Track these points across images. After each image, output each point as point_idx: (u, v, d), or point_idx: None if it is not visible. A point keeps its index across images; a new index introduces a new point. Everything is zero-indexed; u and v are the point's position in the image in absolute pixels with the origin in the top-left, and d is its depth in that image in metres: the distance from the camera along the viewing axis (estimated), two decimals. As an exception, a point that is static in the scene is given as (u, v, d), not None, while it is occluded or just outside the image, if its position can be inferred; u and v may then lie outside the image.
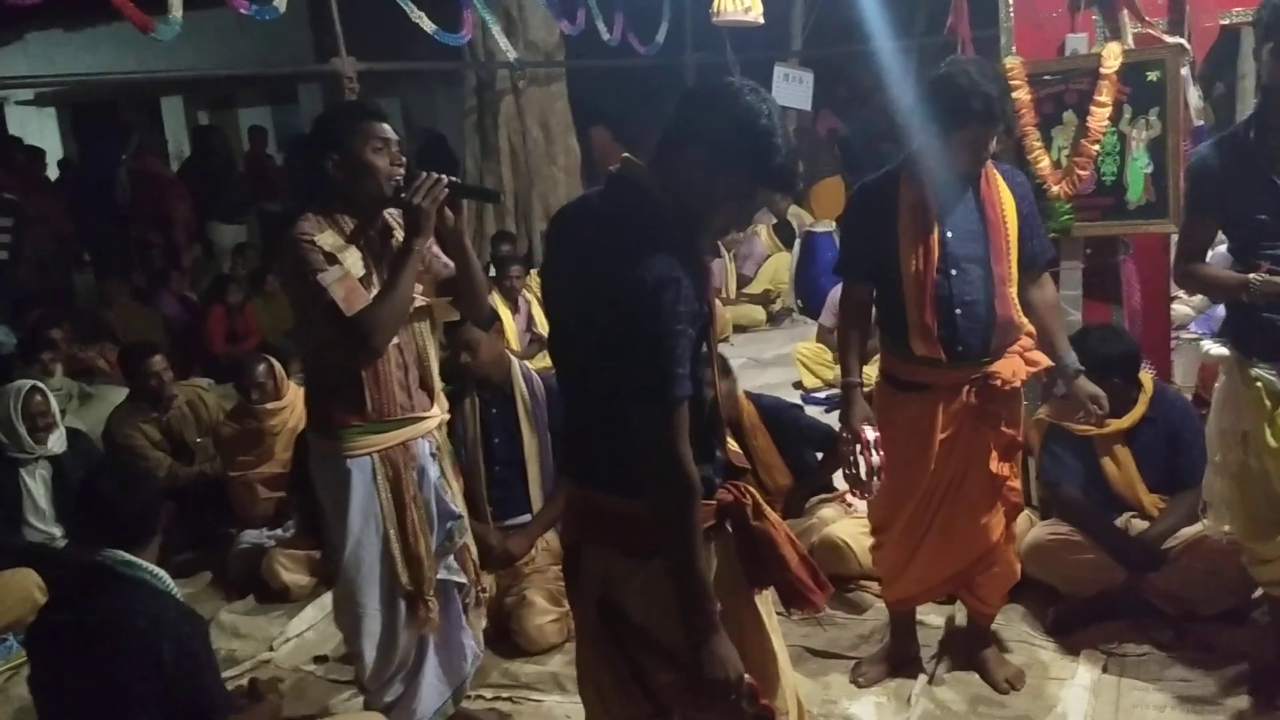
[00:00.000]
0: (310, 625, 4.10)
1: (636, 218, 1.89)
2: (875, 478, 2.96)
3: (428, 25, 6.78)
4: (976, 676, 3.30)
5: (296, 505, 4.57)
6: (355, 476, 2.78)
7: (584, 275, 1.92)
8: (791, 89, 8.87)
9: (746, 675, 1.94)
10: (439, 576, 2.94)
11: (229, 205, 10.10)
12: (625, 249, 1.85)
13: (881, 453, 2.96)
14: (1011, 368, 2.99)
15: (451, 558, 3.00)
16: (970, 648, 3.36)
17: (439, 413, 2.96)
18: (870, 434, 2.98)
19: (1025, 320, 3.05)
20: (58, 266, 9.10)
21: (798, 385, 6.63)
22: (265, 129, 12.07)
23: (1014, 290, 2.98)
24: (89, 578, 2.55)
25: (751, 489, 2.09)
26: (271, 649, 3.96)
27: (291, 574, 4.35)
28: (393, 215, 2.85)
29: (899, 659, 3.37)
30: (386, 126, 2.71)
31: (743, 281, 8.63)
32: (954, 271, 2.93)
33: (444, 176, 2.66)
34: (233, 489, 4.83)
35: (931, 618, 3.60)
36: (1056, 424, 3.54)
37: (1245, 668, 3.19)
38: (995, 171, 3.02)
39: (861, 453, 2.99)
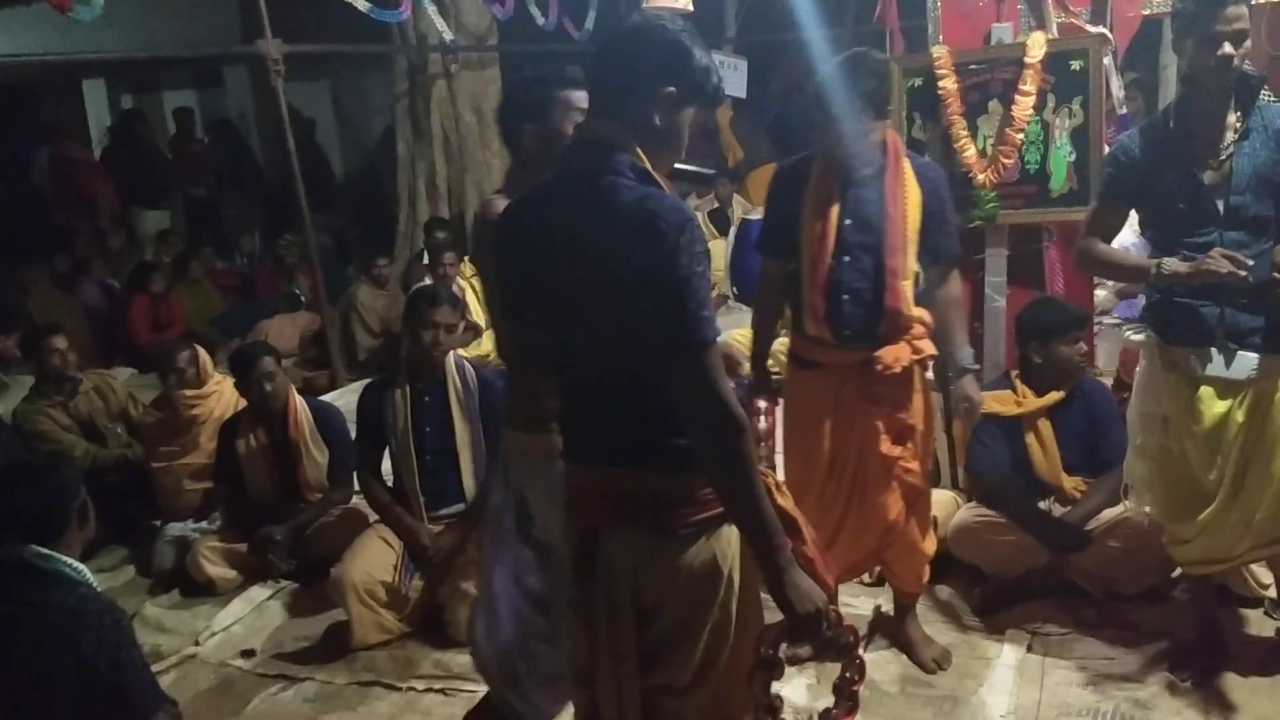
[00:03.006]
0: (237, 619, 4.03)
1: (620, 175, 1.83)
2: (763, 443, 3.03)
3: (362, 4, 6.66)
4: (904, 657, 3.35)
5: (222, 496, 4.49)
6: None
7: (581, 254, 1.84)
8: (727, 75, 8.88)
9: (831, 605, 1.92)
10: None
11: (152, 190, 9.86)
12: (627, 206, 1.79)
13: (769, 420, 3.03)
14: (895, 354, 3.05)
15: None
16: (897, 629, 3.41)
17: None
18: (761, 404, 3.07)
19: (919, 312, 3.11)
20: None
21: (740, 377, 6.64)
22: (192, 111, 11.80)
23: (907, 283, 3.04)
24: (4, 572, 2.48)
25: (769, 470, 2.06)
26: (197, 643, 3.88)
27: (217, 567, 4.27)
28: None
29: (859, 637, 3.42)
30: (584, 95, 2.43)
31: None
32: (846, 258, 3.02)
33: None
34: (156, 480, 4.73)
35: (861, 600, 3.64)
36: (986, 412, 3.59)
37: (1165, 644, 3.27)
38: (907, 164, 3.07)
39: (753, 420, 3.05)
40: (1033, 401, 3.58)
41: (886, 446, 3.10)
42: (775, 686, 3.13)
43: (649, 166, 1.86)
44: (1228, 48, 2.67)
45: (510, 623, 2.72)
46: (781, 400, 3.29)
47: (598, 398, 1.96)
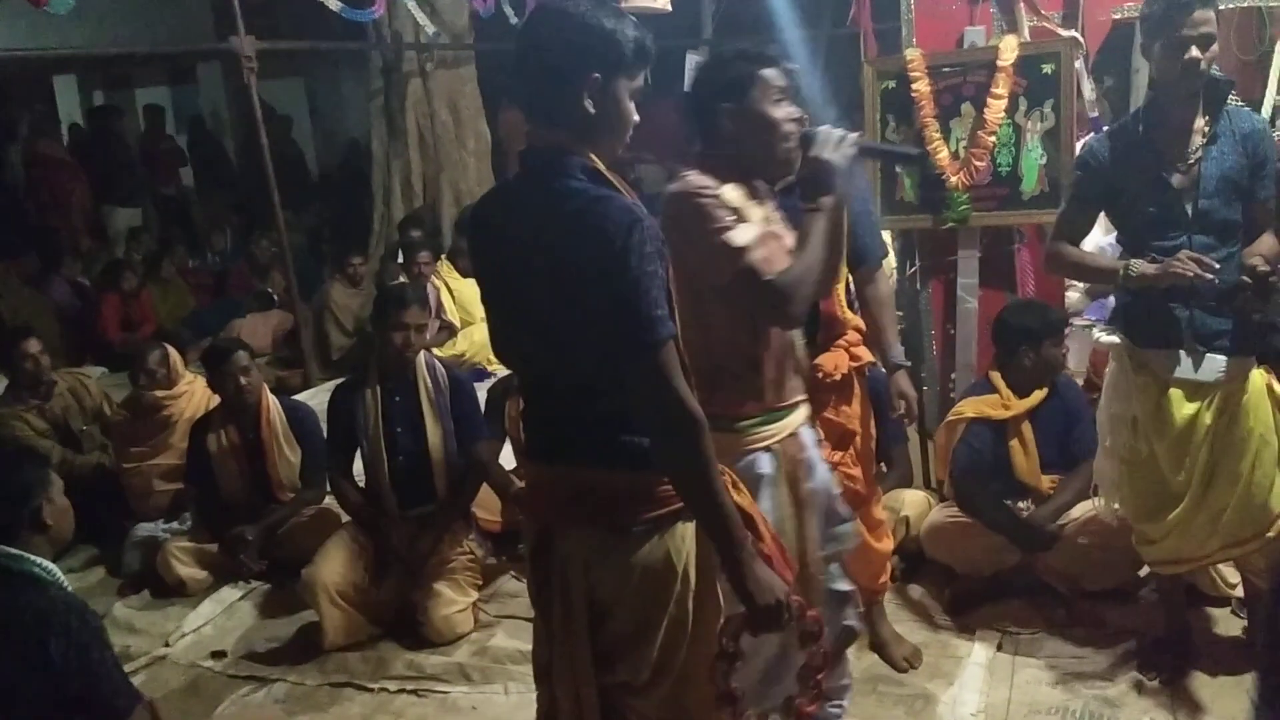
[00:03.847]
0: (208, 620, 4.00)
1: (573, 178, 1.83)
2: None
3: (333, 3, 6.62)
4: (875, 656, 3.36)
5: (193, 496, 4.46)
6: (762, 470, 2.40)
7: (535, 258, 1.85)
8: (703, 76, 8.92)
9: (795, 596, 1.92)
10: (828, 585, 2.57)
11: (124, 188, 9.78)
12: (576, 210, 1.79)
13: None
14: (835, 361, 3.07)
15: (836, 565, 2.61)
16: (868, 628, 3.42)
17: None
18: None
19: (851, 316, 3.13)
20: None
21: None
22: (162, 108, 11.71)
23: (840, 287, 3.05)
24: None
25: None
26: (167, 644, 3.86)
27: (188, 568, 4.23)
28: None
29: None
30: (782, 74, 2.40)
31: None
32: None
33: (850, 133, 2.37)
34: (127, 480, 4.69)
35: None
36: (976, 417, 3.61)
37: (1134, 643, 3.30)
38: None
39: None
40: (1019, 403, 3.58)
41: (827, 453, 3.10)
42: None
43: (600, 165, 1.86)
44: (1194, 52, 2.70)
45: None
46: None
47: (554, 397, 1.97)
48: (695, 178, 2.31)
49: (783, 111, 2.35)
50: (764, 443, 2.39)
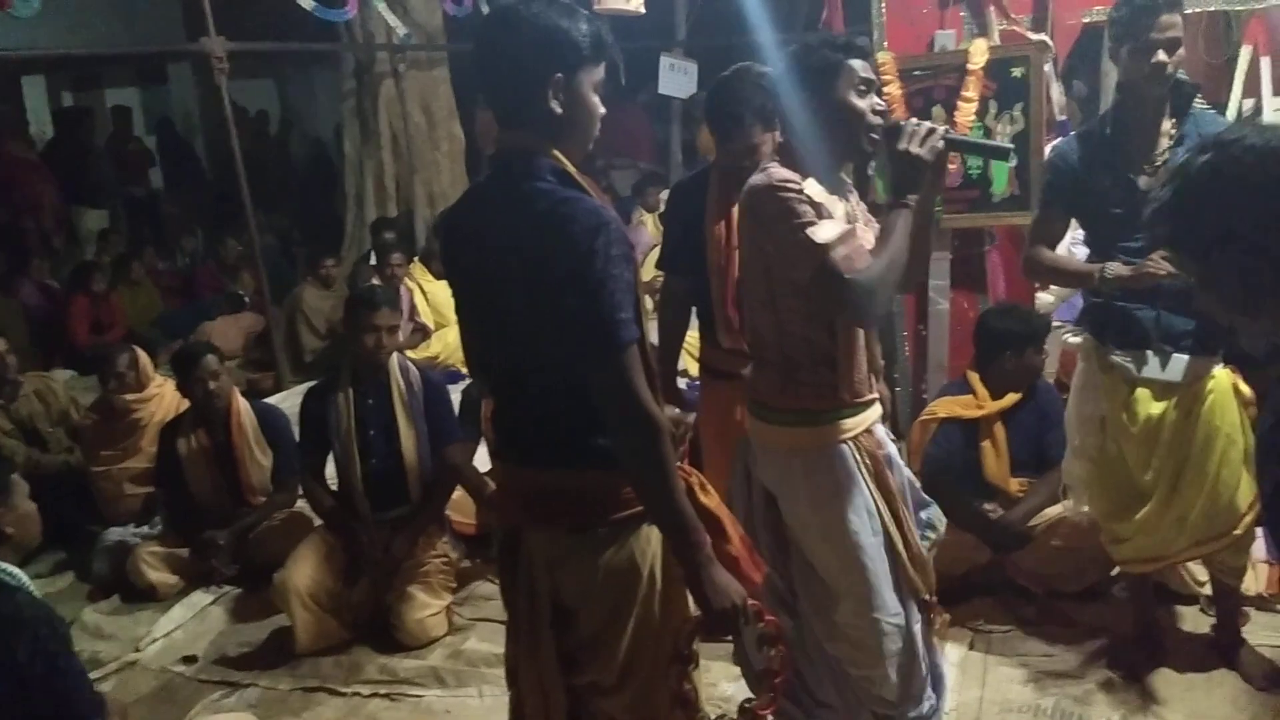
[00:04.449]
0: (178, 625, 3.97)
1: (540, 180, 1.83)
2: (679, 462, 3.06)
3: (307, 2, 6.58)
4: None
5: (163, 500, 4.42)
6: (839, 467, 2.35)
7: (503, 260, 1.85)
8: (677, 78, 8.92)
9: (750, 600, 1.92)
10: None
11: (93, 189, 9.68)
12: (542, 212, 1.79)
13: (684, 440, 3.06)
14: None
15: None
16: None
17: None
18: (688, 418, 3.09)
19: None
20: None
21: (683, 373, 6.66)
22: (130, 109, 11.61)
23: None
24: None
25: (692, 467, 2.07)
26: (138, 650, 3.82)
27: (158, 572, 4.20)
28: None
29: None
30: (869, 66, 2.33)
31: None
32: None
33: (938, 126, 2.30)
34: (96, 484, 4.66)
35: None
36: (948, 417, 3.63)
37: (1104, 641, 3.32)
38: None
39: None
40: (993, 404, 3.61)
41: None
42: (725, 686, 3.19)
43: (568, 166, 1.86)
44: (1161, 56, 2.73)
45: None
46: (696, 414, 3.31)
47: (520, 398, 1.98)
48: (778, 170, 2.25)
49: (867, 102, 2.28)
50: (844, 437, 2.35)
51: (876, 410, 2.44)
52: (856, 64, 2.27)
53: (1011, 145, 2.60)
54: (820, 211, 2.22)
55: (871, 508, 2.35)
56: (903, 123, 2.28)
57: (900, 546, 2.38)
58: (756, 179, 2.28)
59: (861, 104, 2.27)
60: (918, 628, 2.43)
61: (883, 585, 2.36)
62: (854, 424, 2.36)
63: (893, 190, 2.29)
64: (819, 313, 2.28)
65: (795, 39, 9.22)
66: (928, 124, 2.29)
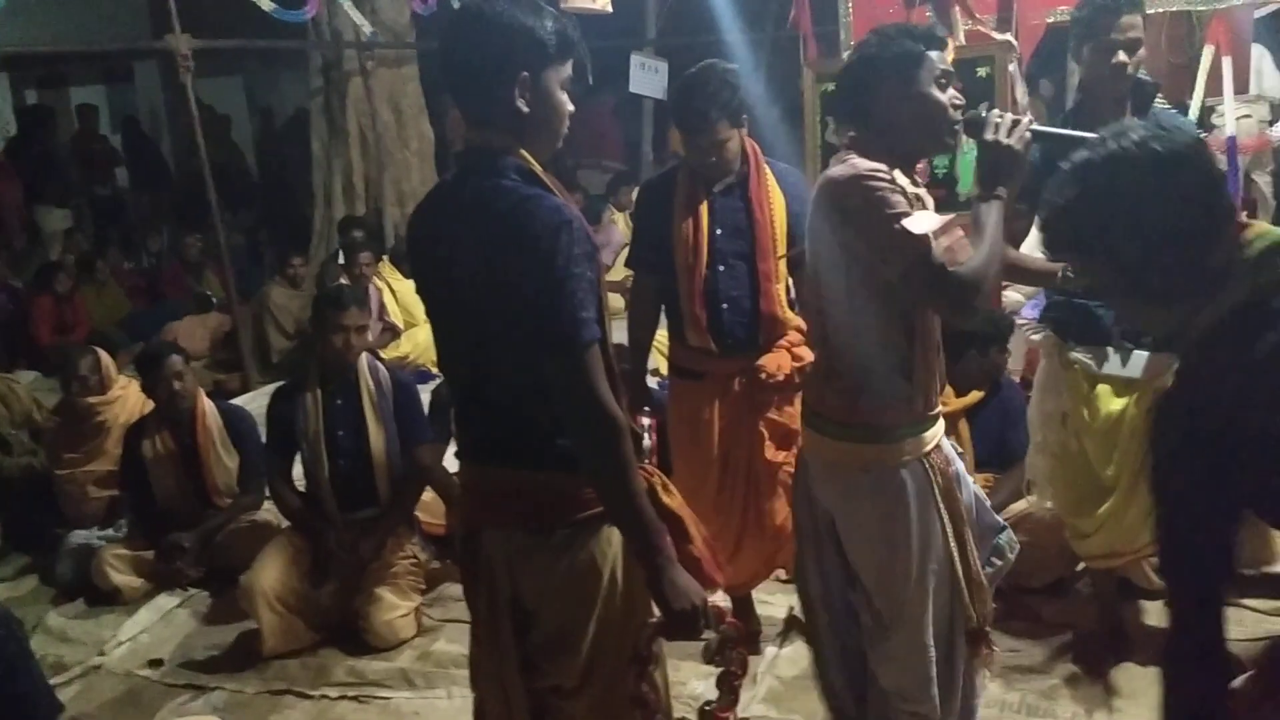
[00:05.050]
0: (144, 629, 3.93)
1: (504, 178, 1.83)
2: (648, 460, 3.06)
3: (265, 3, 6.54)
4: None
5: (128, 503, 4.38)
6: (910, 486, 2.22)
7: (465, 258, 1.85)
8: (648, 77, 8.92)
9: (710, 599, 1.92)
10: None
11: (57, 188, 9.57)
12: (504, 210, 1.79)
13: (652, 438, 3.06)
14: (778, 361, 3.11)
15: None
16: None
17: None
18: (644, 421, 3.09)
19: (793, 316, 3.17)
20: None
21: (654, 372, 6.66)
22: (96, 108, 11.49)
23: (780, 287, 3.10)
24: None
25: (655, 468, 2.06)
26: (103, 653, 3.78)
27: (123, 575, 4.16)
28: None
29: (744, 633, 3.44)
30: (946, 57, 2.26)
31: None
32: (721, 267, 3.07)
33: (1023, 117, 2.22)
34: (60, 487, 4.61)
35: (777, 598, 3.68)
36: None
37: (1070, 636, 3.35)
38: (768, 170, 3.13)
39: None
40: (957, 401, 3.63)
41: (771, 453, 3.15)
42: (694, 684, 3.20)
43: (534, 164, 1.86)
44: (1121, 56, 2.76)
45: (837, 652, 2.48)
46: (667, 413, 3.33)
47: (483, 397, 1.96)
48: (862, 161, 2.12)
49: (947, 95, 2.20)
50: (913, 455, 2.22)
51: (943, 424, 2.34)
52: (936, 55, 2.19)
53: (1095, 135, 2.59)
54: (912, 202, 2.12)
55: (937, 530, 2.23)
56: (985, 114, 2.20)
57: (960, 571, 2.25)
58: (837, 170, 2.15)
59: (943, 96, 2.19)
60: (960, 662, 2.32)
61: (930, 618, 2.26)
62: (926, 438, 2.25)
63: (981, 182, 2.19)
64: (895, 314, 2.17)
65: (765, 37, 9.29)
66: (1011, 115, 2.20)
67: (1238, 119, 5.48)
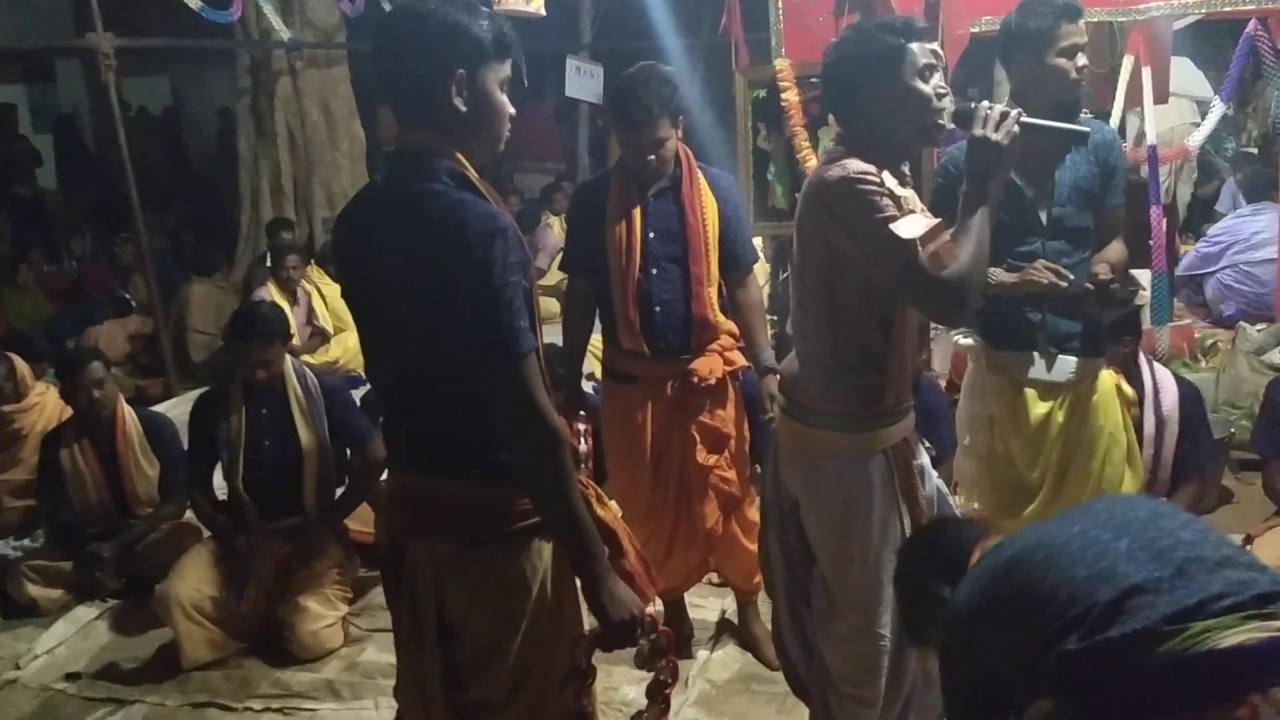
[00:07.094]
0: (61, 641, 3.82)
1: (435, 181, 1.78)
2: (582, 465, 3.05)
3: (193, 1, 6.42)
4: (749, 655, 3.40)
5: (45, 512, 4.26)
6: (874, 477, 2.29)
7: (393, 264, 1.79)
8: (583, 81, 8.91)
9: (647, 609, 1.91)
10: None
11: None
12: (434, 215, 1.73)
13: (588, 442, 3.05)
14: (710, 365, 3.13)
15: None
16: (742, 628, 3.47)
17: None
18: (580, 426, 3.08)
19: (724, 320, 3.19)
20: None
21: (590, 377, 6.64)
22: (15, 107, 11.21)
23: (712, 290, 3.11)
24: None
25: (589, 480, 2.03)
26: (18, 667, 3.68)
27: (40, 587, 4.04)
28: None
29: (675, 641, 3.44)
30: (937, 48, 2.21)
31: (536, 274, 8.60)
32: (654, 270, 3.08)
33: (1012, 110, 2.16)
34: (-28, 497, 4.46)
35: (709, 601, 3.69)
36: None
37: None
38: (700, 174, 3.14)
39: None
40: None
41: (703, 456, 3.16)
42: (626, 690, 3.19)
43: (468, 168, 1.82)
44: (1062, 63, 2.79)
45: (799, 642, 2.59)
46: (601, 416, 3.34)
47: (412, 406, 1.92)
48: (853, 162, 2.12)
49: (931, 86, 2.16)
50: (880, 447, 2.28)
51: (912, 418, 2.39)
52: (917, 47, 2.16)
53: (1087, 129, 2.55)
54: (901, 205, 2.12)
55: (896, 521, 2.29)
56: (975, 106, 2.17)
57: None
58: (829, 171, 2.14)
59: (927, 88, 2.16)
60: (913, 653, 2.35)
61: (885, 607, 2.32)
62: (893, 432, 2.30)
63: (969, 178, 2.16)
64: (874, 314, 2.21)
65: (699, 43, 9.34)
66: (1000, 107, 2.17)
67: (1171, 128, 5.64)
